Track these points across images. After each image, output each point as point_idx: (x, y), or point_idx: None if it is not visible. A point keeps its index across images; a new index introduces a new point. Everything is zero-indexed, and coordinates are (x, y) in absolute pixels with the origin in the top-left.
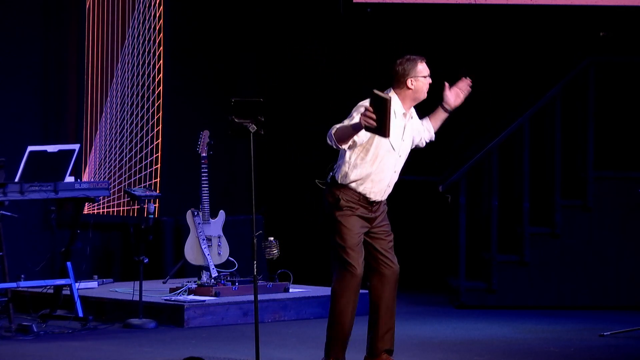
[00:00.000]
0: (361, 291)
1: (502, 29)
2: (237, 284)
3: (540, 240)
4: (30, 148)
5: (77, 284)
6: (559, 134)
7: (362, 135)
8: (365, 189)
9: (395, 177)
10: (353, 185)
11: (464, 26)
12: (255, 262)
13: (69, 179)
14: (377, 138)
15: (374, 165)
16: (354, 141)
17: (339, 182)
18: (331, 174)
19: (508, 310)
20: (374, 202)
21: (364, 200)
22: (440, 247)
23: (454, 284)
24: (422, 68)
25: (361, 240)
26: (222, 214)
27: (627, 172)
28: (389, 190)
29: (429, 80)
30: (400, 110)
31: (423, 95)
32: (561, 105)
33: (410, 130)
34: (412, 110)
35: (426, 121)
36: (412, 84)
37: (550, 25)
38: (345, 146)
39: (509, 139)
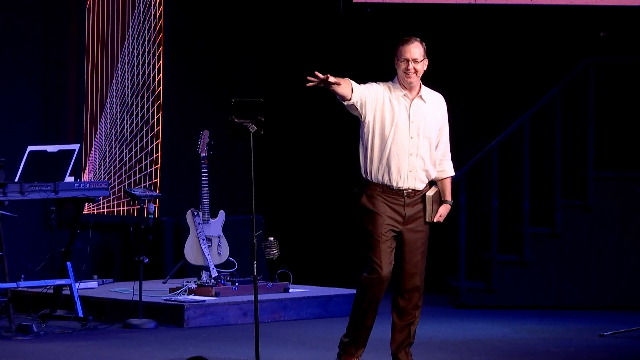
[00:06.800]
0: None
1: (502, 29)
2: (237, 284)
3: (540, 240)
4: (30, 148)
5: (77, 284)
6: (559, 133)
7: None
8: (385, 177)
9: (415, 161)
10: (374, 177)
11: (464, 26)
12: (255, 262)
13: (69, 179)
14: (381, 124)
15: (385, 151)
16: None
17: (364, 178)
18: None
19: (508, 310)
20: (400, 190)
21: (388, 190)
22: (440, 247)
23: (454, 284)
24: (402, 50)
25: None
26: (222, 214)
27: (627, 172)
28: (416, 175)
29: (406, 64)
30: (399, 93)
31: (402, 77)
32: (561, 105)
33: (424, 111)
34: (431, 95)
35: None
36: (396, 65)
37: (550, 25)
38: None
39: (509, 138)
